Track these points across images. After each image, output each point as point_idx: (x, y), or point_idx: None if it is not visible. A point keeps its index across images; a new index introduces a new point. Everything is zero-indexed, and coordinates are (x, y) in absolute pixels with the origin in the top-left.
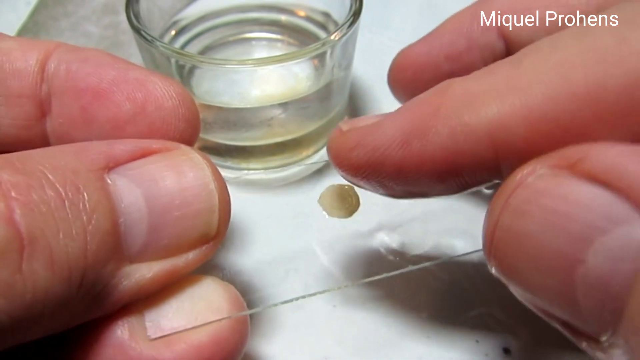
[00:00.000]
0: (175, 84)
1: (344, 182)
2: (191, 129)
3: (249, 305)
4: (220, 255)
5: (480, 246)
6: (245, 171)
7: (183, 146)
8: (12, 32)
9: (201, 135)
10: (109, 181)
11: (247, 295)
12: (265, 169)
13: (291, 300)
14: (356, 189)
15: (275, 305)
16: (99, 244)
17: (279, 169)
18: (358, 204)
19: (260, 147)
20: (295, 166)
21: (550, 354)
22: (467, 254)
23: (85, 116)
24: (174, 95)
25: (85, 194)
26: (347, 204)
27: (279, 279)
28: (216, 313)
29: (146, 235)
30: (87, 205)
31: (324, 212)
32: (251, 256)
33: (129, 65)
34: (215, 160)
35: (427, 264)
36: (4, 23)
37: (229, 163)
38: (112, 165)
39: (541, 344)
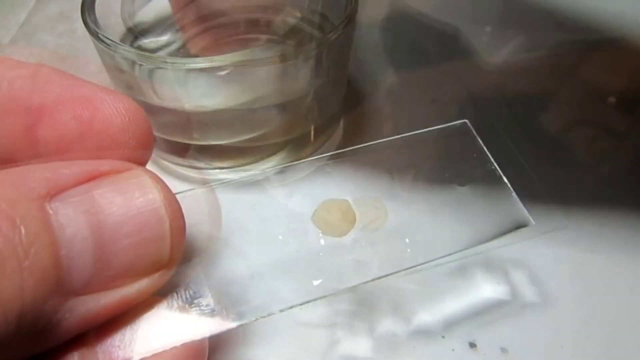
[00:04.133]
0: (126, 100)
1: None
2: (143, 147)
3: (242, 316)
4: (216, 259)
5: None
6: (244, 173)
7: (134, 167)
8: None
9: (198, 137)
10: (50, 211)
11: (241, 305)
12: (263, 169)
13: (275, 313)
14: (351, 202)
15: (251, 321)
16: (37, 281)
17: (275, 169)
18: (355, 219)
19: (258, 147)
20: (292, 164)
21: (548, 353)
22: (458, 252)
23: (29, 136)
24: (124, 112)
25: (22, 227)
26: (346, 220)
27: (276, 284)
28: (171, 339)
29: (92, 267)
30: (24, 240)
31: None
32: (247, 260)
33: (76, 81)
34: (212, 161)
35: (422, 262)
36: None
37: (225, 164)
38: (54, 192)
39: (539, 343)
